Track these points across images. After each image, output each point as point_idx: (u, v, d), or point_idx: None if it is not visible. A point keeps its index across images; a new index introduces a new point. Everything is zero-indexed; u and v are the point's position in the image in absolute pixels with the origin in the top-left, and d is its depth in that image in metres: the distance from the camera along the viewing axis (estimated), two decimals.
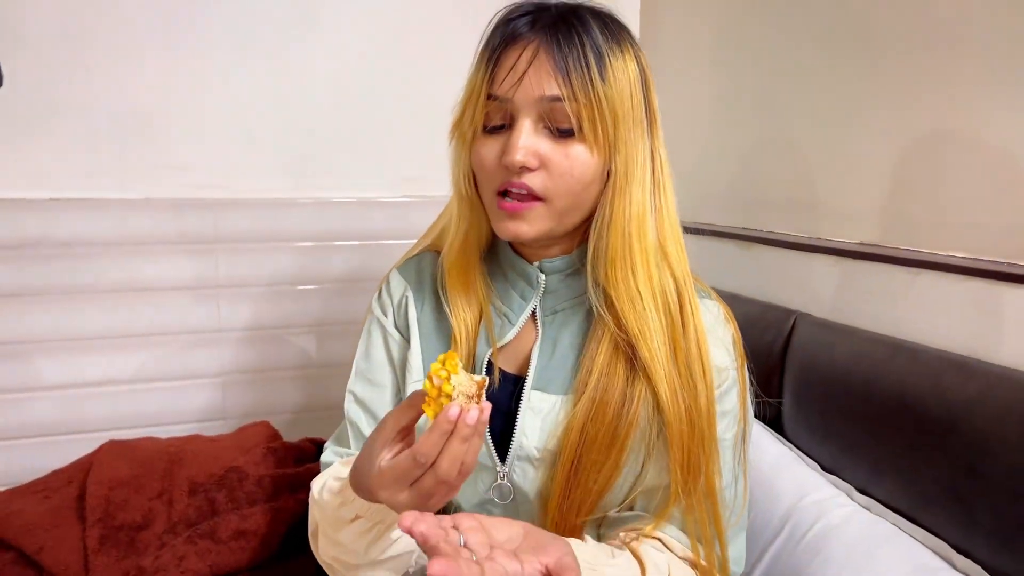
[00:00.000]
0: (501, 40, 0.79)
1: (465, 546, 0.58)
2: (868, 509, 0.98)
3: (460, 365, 0.66)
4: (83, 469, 1.24)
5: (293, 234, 1.60)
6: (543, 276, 0.88)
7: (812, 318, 1.19)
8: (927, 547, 0.89)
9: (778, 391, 1.20)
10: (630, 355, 0.81)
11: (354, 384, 0.93)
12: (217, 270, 1.56)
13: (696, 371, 0.81)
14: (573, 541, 0.73)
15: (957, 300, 0.97)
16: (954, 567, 0.86)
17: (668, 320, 0.81)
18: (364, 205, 1.64)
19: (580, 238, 0.86)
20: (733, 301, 1.03)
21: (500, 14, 0.82)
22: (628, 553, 0.80)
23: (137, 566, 1.04)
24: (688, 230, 0.87)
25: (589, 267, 0.83)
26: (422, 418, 0.70)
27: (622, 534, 0.85)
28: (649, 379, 0.80)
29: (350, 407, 0.93)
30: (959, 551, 0.87)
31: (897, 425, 0.96)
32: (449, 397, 0.64)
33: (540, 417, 0.84)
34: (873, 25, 1.13)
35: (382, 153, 1.66)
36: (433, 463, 0.64)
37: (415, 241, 1.02)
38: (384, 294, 0.96)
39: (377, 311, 0.95)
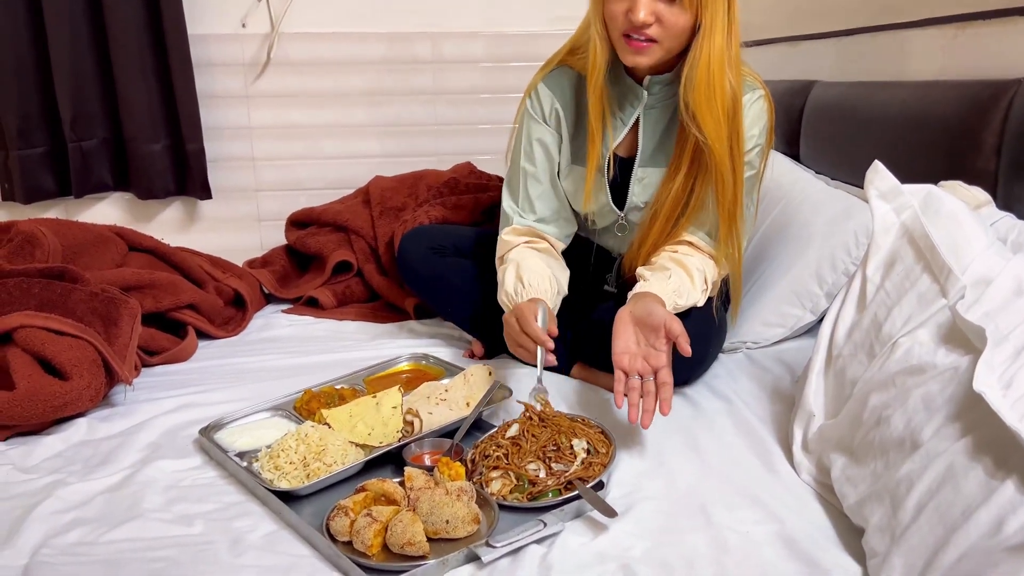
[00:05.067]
0: None
1: None
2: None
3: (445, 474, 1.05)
4: (363, 187, 2.12)
5: None
6: (646, 92, 1.30)
7: (823, 82, 1.78)
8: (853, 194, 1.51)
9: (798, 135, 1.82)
10: (703, 147, 1.22)
11: (524, 161, 1.39)
12: None
13: (735, 143, 1.24)
14: (643, 284, 1.23)
15: None
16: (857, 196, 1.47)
17: (726, 117, 1.21)
18: None
19: (673, 63, 1.27)
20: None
21: None
22: (676, 266, 1.27)
23: (400, 221, 1.88)
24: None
25: (681, 91, 1.21)
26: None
27: (667, 247, 1.33)
28: (713, 155, 1.22)
29: (522, 178, 1.40)
30: None
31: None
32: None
33: (642, 184, 1.36)
34: None
35: None
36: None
37: None
38: (535, 100, 1.38)
39: (531, 110, 1.39)
